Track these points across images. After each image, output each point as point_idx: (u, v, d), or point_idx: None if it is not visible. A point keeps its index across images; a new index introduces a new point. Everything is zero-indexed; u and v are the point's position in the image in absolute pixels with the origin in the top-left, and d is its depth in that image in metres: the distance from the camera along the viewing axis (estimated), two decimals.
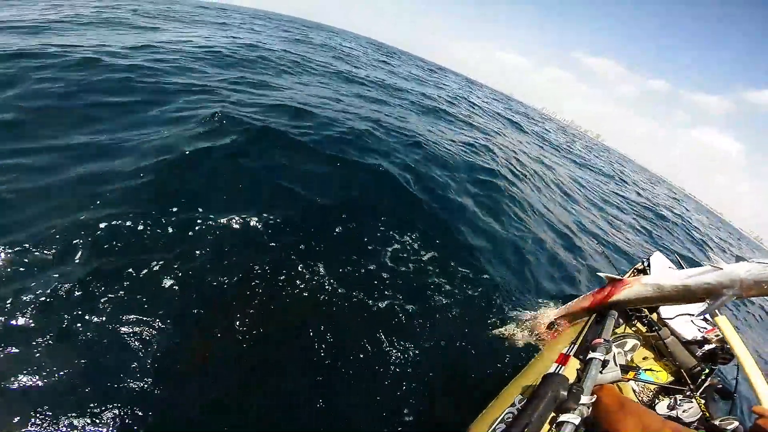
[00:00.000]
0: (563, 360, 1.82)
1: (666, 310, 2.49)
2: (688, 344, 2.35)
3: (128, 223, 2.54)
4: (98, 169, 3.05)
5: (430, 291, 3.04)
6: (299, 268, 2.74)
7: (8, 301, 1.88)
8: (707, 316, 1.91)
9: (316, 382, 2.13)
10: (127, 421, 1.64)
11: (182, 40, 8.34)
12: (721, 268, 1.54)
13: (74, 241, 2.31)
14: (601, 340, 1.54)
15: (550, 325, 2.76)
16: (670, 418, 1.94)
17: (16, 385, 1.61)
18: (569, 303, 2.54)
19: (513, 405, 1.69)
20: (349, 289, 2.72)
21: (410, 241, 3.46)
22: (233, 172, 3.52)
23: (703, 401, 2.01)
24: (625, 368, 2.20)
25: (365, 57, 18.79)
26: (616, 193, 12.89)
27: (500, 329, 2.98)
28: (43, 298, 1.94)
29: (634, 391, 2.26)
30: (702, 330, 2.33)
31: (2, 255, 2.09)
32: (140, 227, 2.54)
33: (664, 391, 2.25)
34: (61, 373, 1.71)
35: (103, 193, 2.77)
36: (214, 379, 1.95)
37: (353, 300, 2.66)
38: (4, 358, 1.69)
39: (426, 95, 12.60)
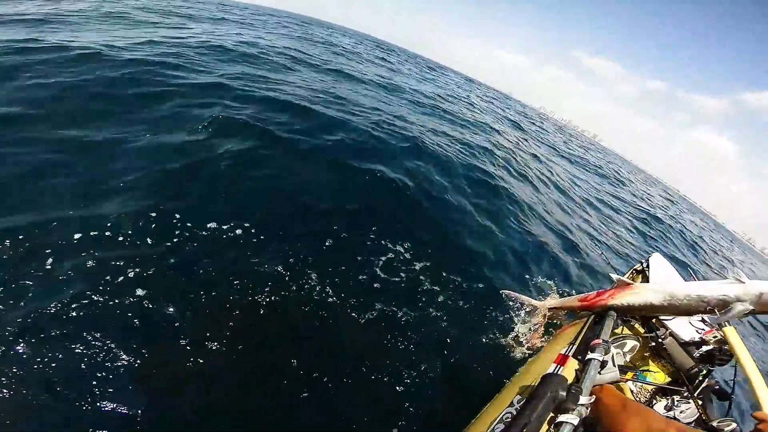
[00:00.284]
0: (562, 360, 1.82)
1: None
2: (686, 345, 2.36)
3: (122, 226, 2.51)
4: (93, 168, 3.02)
5: (429, 292, 3.04)
6: (299, 270, 2.73)
7: None
8: (712, 322, 1.93)
9: (315, 384, 2.12)
10: (121, 426, 1.63)
11: (183, 36, 8.29)
12: (743, 282, 1.60)
13: (63, 242, 2.29)
14: (600, 341, 1.54)
15: (551, 315, 2.74)
16: (667, 418, 1.95)
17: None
18: (569, 297, 2.52)
19: (511, 405, 1.69)
20: (347, 292, 2.71)
21: (408, 245, 3.44)
22: (230, 177, 3.48)
23: (700, 402, 2.02)
24: (624, 369, 2.21)
25: (365, 54, 18.72)
26: (611, 194, 12.91)
27: (499, 329, 2.98)
28: (34, 303, 1.91)
29: (631, 391, 2.27)
30: (700, 331, 2.34)
31: None
32: (133, 230, 2.52)
33: (661, 391, 2.26)
34: (53, 379, 1.68)
35: (97, 194, 2.75)
36: (212, 385, 1.93)
37: (351, 302, 2.65)
38: None
39: (424, 93, 12.58)
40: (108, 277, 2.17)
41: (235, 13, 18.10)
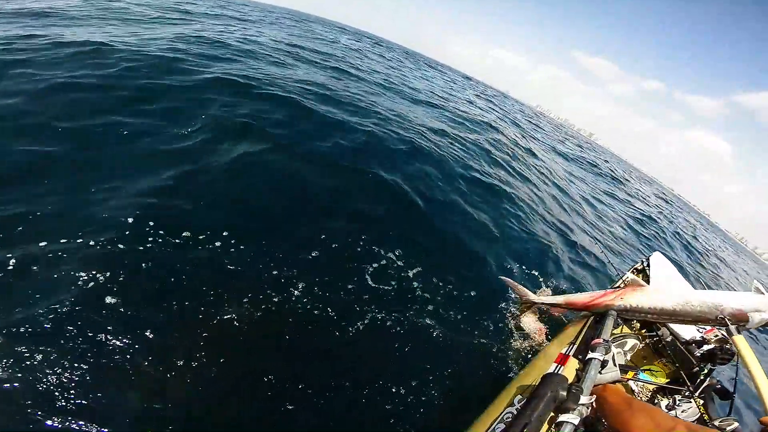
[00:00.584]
0: (562, 360, 1.82)
1: None
2: (687, 344, 2.36)
3: (111, 229, 2.46)
4: (82, 166, 2.99)
5: (427, 293, 3.02)
6: (298, 271, 2.71)
7: None
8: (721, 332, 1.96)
9: (314, 384, 2.12)
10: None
11: (182, 31, 8.22)
12: (764, 293, 1.73)
13: (50, 243, 2.26)
14: (601, 340, 1.54)
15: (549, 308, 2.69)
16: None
17: None
18: (573, 294, 2.47)
19: (512, 405, 1.69)
20: (346, 294, 2.69)
21: (402, 250, 3.41)
22: (220, 177, 3.40)
23: (701, 401, 2.02)
24: (624, 368, 2.21)
25: (364, 51, 18.66)
26: (605, 192, 12.90)
27: (499, 329, 2.98)
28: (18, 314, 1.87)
29: (632, 391, 2.26)
30: (701, 330, 2.34)
31: None
32: (124, 233, 2.46)
33: (662, 391, 2.25)
34: (38, 385, 1.66)
35: (84, 194, 2.70)
36: (201, 394, 1.89)
37: (347, 307, 2.62)
38: None
39: (420, 90, 12.55)
40: (91, 282, 2.11)
41: (232, 9, 17.97)
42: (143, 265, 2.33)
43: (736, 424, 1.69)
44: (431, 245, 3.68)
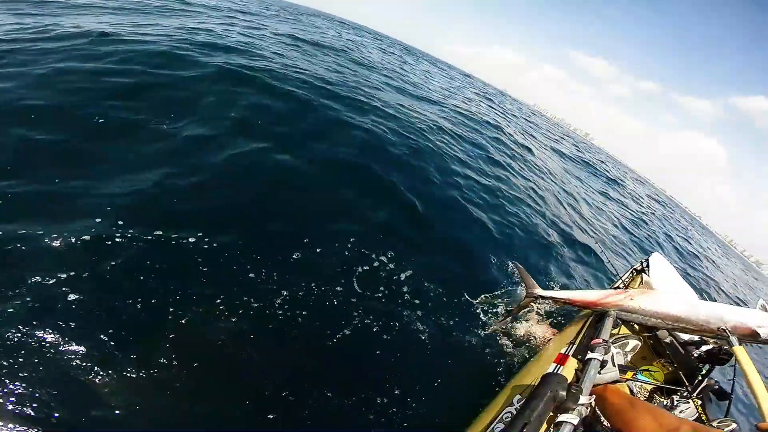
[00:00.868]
0: (562, 360, 1.82)
1: None
2: (685, 345, 2.36)
3: (95, 226, 2.40)
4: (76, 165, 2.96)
5: (426, 293, 3.02)
6: (286, 273, 2.70)
7: None
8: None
9: (313, 384, 2.11)
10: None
11: (187, 25, 8.12)
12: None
13: (42, 240, 2.23)
14: (600, 341, 1.54)
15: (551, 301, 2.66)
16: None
17: None
18: (580, 292, 2.44)
19: (512, 405, 1.69)
20: (344, 294, 2.68)
21: (403, 245, 3.42)
22: (207, 173, 3.32)
23: (699, 402, 2.02)
24: (623, 368, 2.21)
25: (366, 46, 18.50)
26: (600, 191, 12.92)
27: (498, 328, 2.98)
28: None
29: (631, 391, 2.27)
30: None
31: None
32: (116, 231, 2.41)
33: (660, 391, 2.26)
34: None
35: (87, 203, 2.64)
36: (189, 401, 1.83)
37: (344, 307, 2.61)
38: None
39: (419, 85, 12.50)
40: (86, 275, 2.08)
41: (230, 1, 17.75)
42: (122, 261, 2.26)
43: (734, 425, 1.70)
44: (432, 245, 3.69)
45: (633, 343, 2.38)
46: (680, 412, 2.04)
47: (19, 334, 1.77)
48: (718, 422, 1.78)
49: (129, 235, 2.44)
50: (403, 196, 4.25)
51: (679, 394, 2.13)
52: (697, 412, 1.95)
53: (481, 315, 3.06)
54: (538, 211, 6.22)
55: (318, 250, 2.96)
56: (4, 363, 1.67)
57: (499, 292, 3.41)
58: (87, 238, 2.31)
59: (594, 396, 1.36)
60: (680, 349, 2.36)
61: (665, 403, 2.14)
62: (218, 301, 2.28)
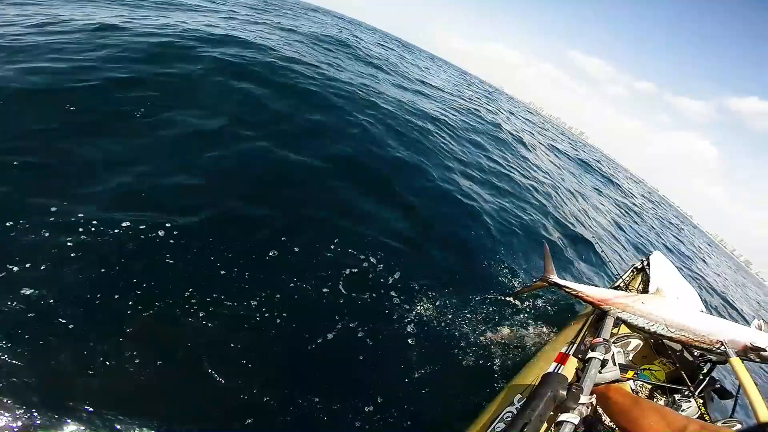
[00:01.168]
0: (562, 359, 1.81)
1: None
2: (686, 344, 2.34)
3: (86, 223, 2.37)
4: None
5: (425, 293, 3.01)
6: (294, 266, 2.70)
7: None
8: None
9: (311, 383, 2.11)
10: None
11: (188, 20, 8.05)
12: (762, 332, 1.87)
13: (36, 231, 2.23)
14: (601, 340, 1.53)
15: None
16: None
17: None
18: (592, 287, 2.41)
19: (512, 404, 1.69)
20: (344, 293, 2.68)
21: (404, 243, 3.42)
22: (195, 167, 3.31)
23: (701, 401, 2.01)
24: (624, 367, 2.20)
25: (365, 42, 18.43)
26: (594, 189, 12.92)
27: (498, 329, 2.97)
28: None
29: (633, 390, 2.26)
30: None
31: None
32: (99, 226, 2.37)
33: (662, 390, 2.25)
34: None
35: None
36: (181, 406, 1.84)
37: (348, 302, 2.62)
38: None
39: (415, 81, 12.47)
40: (64, 276, 2.06)
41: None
42: (113, 259, 2.25)
43: (738, 426, 1.69)
44: (429, 243, 3.68)
45: (634, 342, 2.37)
46: (682, 411, 2.03)
47: None
48: (723, 422, 1.77)
49: (114, 232, 2.41)
50: (400, 194, 4.25)
51: (680, 393, 2.12)
52: (699, 411, 1.94)
53: (482, 315, 3.05)
54: (537, 208, 6.22)
55: (309, 248, 2.94)
56: None
57: (498, 292, 3.40)
58: (76, 231, 2.30)
59: (595, 395, 1.35)
60: (681, 347, 2.35)
61: (667, 402, 2.13)
62: (208, 300, 2.26)
